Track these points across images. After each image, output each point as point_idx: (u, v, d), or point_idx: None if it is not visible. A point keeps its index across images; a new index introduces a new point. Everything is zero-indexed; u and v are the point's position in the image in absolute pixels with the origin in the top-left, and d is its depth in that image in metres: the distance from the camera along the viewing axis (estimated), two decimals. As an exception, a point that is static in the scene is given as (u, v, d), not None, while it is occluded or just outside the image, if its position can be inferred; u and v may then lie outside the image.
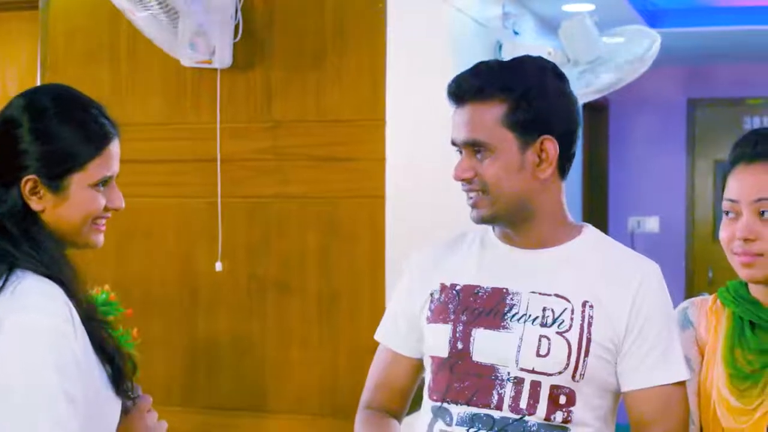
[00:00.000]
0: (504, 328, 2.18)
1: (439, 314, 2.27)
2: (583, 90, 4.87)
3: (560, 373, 2.15)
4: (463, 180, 2.22)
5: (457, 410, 2.19)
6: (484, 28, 4.99)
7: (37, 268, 1.93)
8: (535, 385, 2.15)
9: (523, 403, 2.15)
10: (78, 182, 2.00)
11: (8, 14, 5.43)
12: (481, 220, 2.24)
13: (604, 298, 2.18)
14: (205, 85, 4.37)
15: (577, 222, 2.32)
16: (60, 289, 1.92)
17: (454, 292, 2.27)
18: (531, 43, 5.32)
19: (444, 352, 2.23)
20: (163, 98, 4.45)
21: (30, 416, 1.80)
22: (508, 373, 2.16)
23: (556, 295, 2.19)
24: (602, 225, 8.16)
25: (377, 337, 2.44)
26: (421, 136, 4.32)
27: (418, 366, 2.36)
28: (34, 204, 1.98)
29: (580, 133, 2.28)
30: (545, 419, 2.14)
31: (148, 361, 4.09)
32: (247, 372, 4.35)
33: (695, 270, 8.14)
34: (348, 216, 4.21)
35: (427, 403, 2.27)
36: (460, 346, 2.21)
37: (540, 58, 2.28)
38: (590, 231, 2.31)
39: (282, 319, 4.31)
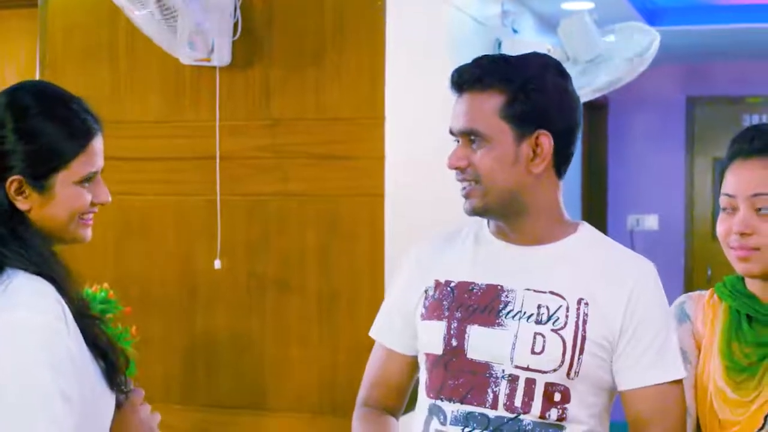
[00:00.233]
0: (499, 325, 2.18)
1: (433, 311, 2.26)
2: (583, 89, 4.87)
3: (555, 370, 2.14)
4: (456, 168, 2.21)
5: (452, 408, 2.18)
6: (483, 26, 4.98)
7: (27, 266, 1.92)
8: (530, 383, 2.14)
9: (518, 402, 2.14)
10: (63, 180, 1.99)
11: (7, 12, 5.43)
12: (473, 212, 2.23)
13: (599, 297, 2.17)
14: (204, 82, 4.37)
15: (574, 220, 2.31)
16: (51, 286, 1.91)
17: (448, 289, 2.26)
18: (530, 41, 5.31)
19: (438, 349, 2.22)
20: (162, 96, 4.45)
21: (25, 415, 1.80)
22: (503, 371, 2.15)
23: (551, 293, 2.18)
24: (601, 223, 8.16)
25: (372, 333, 2.43)
26: (421, 134, 4.32)
27: (414, 363, 2.35)
28: (20, 204, 1.97)
29: (579, 133, 2.26)
30: (540, 417, 2.14)
31: (147, 359, 4.10)
32: (246, 370, 4.35)
33: (694, 268, 8.14)
34: (347, 214, 4.22)
35: (422, 401, 2.27)
36: (454, 343, 2.20)
37: (545, 55, 2.27)
38: (586, 229, 2.30)
39: (281, 316, 4.31)
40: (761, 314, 2.25)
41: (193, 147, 4.39)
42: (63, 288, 1.94)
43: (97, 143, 2.05)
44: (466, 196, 2.22)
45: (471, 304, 2.21)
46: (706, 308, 2.35)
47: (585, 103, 5.55)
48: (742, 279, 2.31)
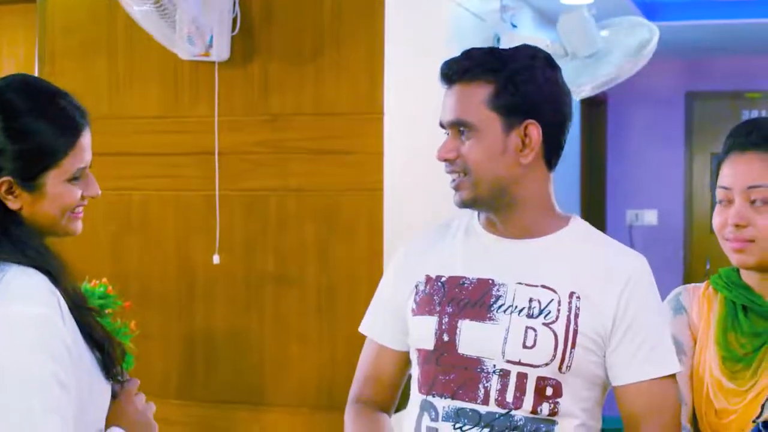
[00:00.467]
0: (490, 319, 2.17)
1: (424, 306, 2.25)
2: (583, 87, 4.86)
3: (547, 364, 2.13)
4: (446, 160, 2.21)
5: (443, 404, 2.18)
6: (482, 21, 4.98)
7: (22, 260, 1.92)
8: (522, 377, 2.14)
9: (509, 397, 2.13)
10: (53, 179, 1.99)
11: (6, 7, 5.43)
12: (463, 204, 2.22)
13: (591, 291, 2.16)
14: (203, 78, 4.37)
15: (565, 213, 2.30)
16: (45, 278, 1.91)
17: (439, 283, 2.25)
18: (529, 36, 5.31)
19: (430, 345, 2.22)
20: (160, 91, 4.45)
21: (24, 403, 1.80)
22: (494, 366, 2.15)
23: (543, 286, 2.17)
24: (600, 218, 8.17)
25: (362, 329, 2.42)
26: (419, 130, 4.32)
27: (405, 358, 2.34)
28: (11, 203, 1.97)
29: (569, 125, 2.25)
30: (531, 412, 2.13)
31: (146, 354, 4.10)
32: (244, 365, 4.35)
33: (693, 262, 8.15)
34: (346, 209, 4.22)
35: (414, 398, 2.26)
36: (446, 338, 2.19)
37: (534, 47, 2.26)
38: (578, 222, 2.29)
39: (280, 311, 4.31)
40: (756, 305, 2.28)
41: (192, 142, 4.39)
42: (58, 280, 1.94)
43: (86, 138, 2.04)
44: (456, 188, 2.22)
45: (462, 298, 2.21)
46: (702, 300, 2.37)
47: (584, 99, 5.56)
48: (737, 271, 2.34)
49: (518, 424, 2.13)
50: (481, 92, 2.17)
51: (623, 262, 2.22)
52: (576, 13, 4.93)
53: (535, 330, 2.14)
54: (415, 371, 2.28)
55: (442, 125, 2.24)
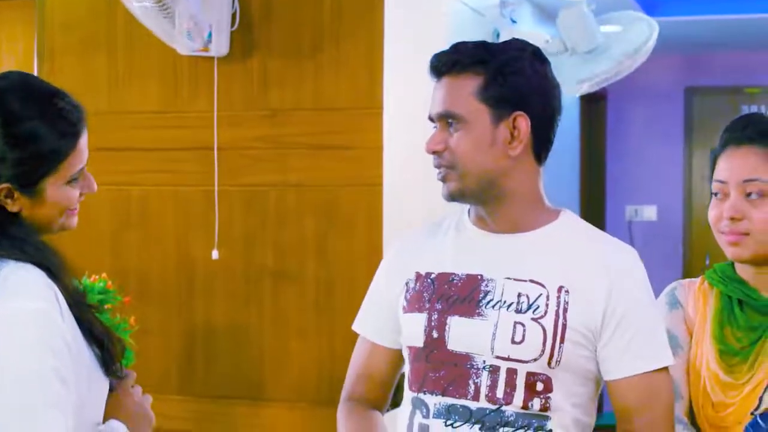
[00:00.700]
0: (479, 315, 2.15)
1: (414, 303, 2.24)
2: (584, 83, 4.86)
3: (536, 359, 2.12)
4: (434, 152, 2.20)
5: (434, 401, 2.17)
6: (481, 16, 4.98)
7: (21, 257, 1.91)
8: (511, 373, 2.12)
9: (499, 393, 2.12)
10: (53, 183, 1.97)
11: (4, 3, 5.43)
12: (450, 196, 2.21)
13: (580, 285, 2.14)
14: (202, 73, 4.37)
15: (555, 207, 2.28)
16: (43, 273, 1.90)
17: (429, 280, 2.24)
18: (529, 32, 5.31)
19: (420, 342, 2.21)
20: (160, 87, 4.45)
21: (24, 399, 1.80)
22: (484, 362, 2.13)
23: (532, 281, 2.16)
24: (600, 213, 8.17)
25: (355, 327, 2.42)
26: (419, 125, 4.29)
27: (397, 356, 2.33)
28: (10, 207, 1.95)
29: (558, 119, 2.24)
30: (522, 407, 2.12)
31: (145, 350, 4.10)
32: (244, 360, 4.35)
33: (693, 258, 8.15)
34: (345, 204, 4.22)
35: (406, 395, 2.25)
36: (435, 334, 2.18)
37: (524, 41, 2.25)
38: (568, 216, 2.27)
39: (279, 307, 4.31)
40: (752, 299, 2.30)
41: (192, 137, 4.39)
42: (58, 277, 1.93)
43: (84, 139, 2.02)
44: (443, 180, 2.21)
45: (451, 294, 2.20)
46: (697, 294, 2.39)
47: (583, 95, 5.56)
48: (732, 265, 2.36)
49: (509, 419, 2.12)
50: (469, 84, 2.16)
51: (613, 256, 2.20)
52: (576, 9, 4.92)
53: (523, 325, 2.13)
54: (406, 369, 2.28)
55: (431, 118, 2.23)
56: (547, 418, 2.13)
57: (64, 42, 4.58)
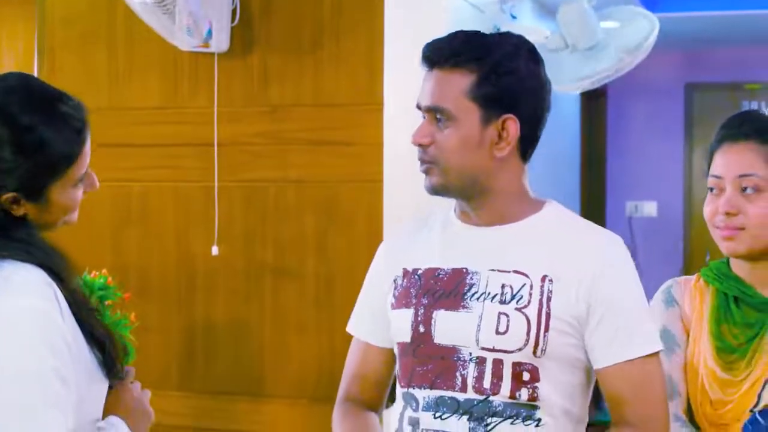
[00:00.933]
0: (464, 308, 2.16)
1: (401, 300, 2.25)
2: (584, 81, 4.86)
3: (520, 349, 2.11)
4: (420, 145, 2.20)
5: (423, 394, 2.18)
6: (481, 12, 4.98)
7: (26, 258, 1.90)
8: (498, 363, 2.12)
9: (486, 383, 2.12)
10: (59, 189, 1.97)
11: (5, -1, 5.43)
12: (433, 190, 2.20)
13: (564, 273, 2.14)
14: (203, 69, 4.36)
15: (540, 198, 2.27)
16: (43, 272, 1.90)
17: (416, 276, 2.24)
18: (529, 27, 5.30)
19: (407, 337, 2.21)
20: (160, 83, 4.45)
21: (24, 398, 1.80)
22: (470, 354, 2.14)
23: (515, 272, 2.15)
24: (600, 209, 8.17)
25: (348, 328, 2.42)
26: (419, 120, 4.31)
27: (391, 355, 2.33)
28: (15, 211, 1.95)
29: (546, 117, 2.23)
30: (510, 397, 2.11)
31: (145, 346, 4.10)
32: (244, 356, 4.35)
33: (693, 253, 8.16)
34: (345, 200, 4.22)
35: (398, 391, 2.26)
36: (422, 329, 2.19)
37: (519, 37, 2.23)
38: (552, 206, 2.26)
39: (279, 303, 4.31)
40: (748, 296, 2.31)
41: (192, 133, 4.39)
42: (63, 279, 1.93)
43: (88, 142, 2.01)
44: (426, 173, 2.20)
45: (437, 289, 2.20)
46: (694, 292, 2.40)
47: (584, 91, 5.56)
48: (727, 262, 2.38)
49: (497, 409, 2.12)
50: (462, 81, 2.15)
51: (597, 244, 2.19)
52: (576, 4, 4.92)
53: (507, 315, 2.13)
54: (397, 365, 2.28)
55: (419, 107, 2.23)
56: (535, 407, 2.13)
57: (65, 38, 4.58)
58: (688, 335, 2.37)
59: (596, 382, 2.22)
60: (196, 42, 4.15)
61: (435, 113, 2.18)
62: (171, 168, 4.43)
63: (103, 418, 1.99)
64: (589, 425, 2.25)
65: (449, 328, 2.17)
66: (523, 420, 2.12)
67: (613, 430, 2.16)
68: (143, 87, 4.47)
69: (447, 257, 2.23)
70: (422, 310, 2.20)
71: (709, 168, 2.37)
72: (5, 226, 1.94)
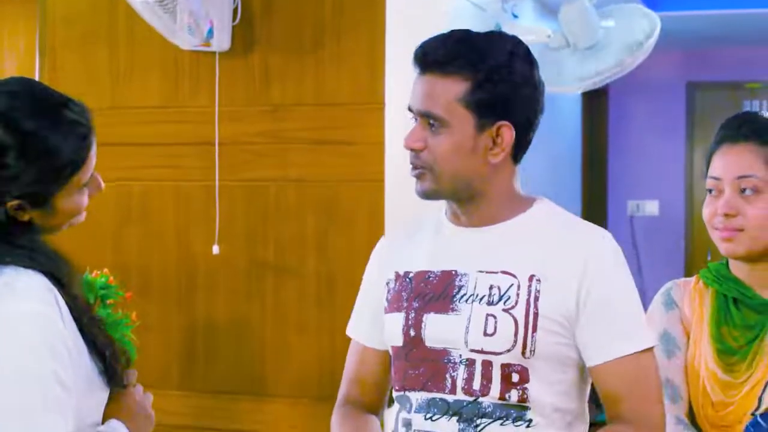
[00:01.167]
0: (453, 310, 2.15)
1: (394, 303, 2.25)
2: (585, 80, 4.86)
3: (509, 350, 2.10)
4: (413, 149, 2.20)
5: (416, 397, 2.17)
6: (482, 11, 4.97)
7: (30, 264, 1.89)
8: (487, 365, 2.11)
9: (476, 385, 2.11)
10: (65, 195, 1.96)
11: (5, -3, 5.43)
12: (424, 195, 2.20)
13: (552, 272, 2.12)
14: (204, 68, 4.36)
15: (530, 196, 2.25)
16: (44, 277, 1.89)
17: (407, 280, 2.24)
18: (530, 26, 5.30)
19: (399, 341, 2.21)
20: (161, 82, 4.45)
21: (24, 402, 1.79)
22: (460, 356, 2.13)
23: (503, 272, 2.14)
24: (601, 208, 8.17)
25: (348, 332, 2.42)
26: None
27: (388, 358, 2.33)
28: (21, 217, 1.93)
29: (540, 120, 2.21)
30: (500, 398, 2.10)
31: (146, 345, 4.10)
32: (245, 356, 4.35)
33: (694, 252, 8.15)
34: (347, 200, 4.22)
35: (394, 393, 2.26)
36: (412, 333, 2.18)
37: (513, 39, 2.20)
38: (542, 204, 2.24)
39: (280, 302, 4.31)
40: (747, 298, 2.32)
41: (193, 132, 4.38)
42: (66, 286, 1.92)
43: (94, 148, 2.00)
44: (417, 177, 2.20)
45: (427, 292, 2.20)
46: (693, 294, 2.41)
47: (585, 91, 5.56)
48: (727, 264, 2.38)
49: (487, 410, 2.11)
50: (455, 88, 2.13)
51: (586, 240, 2.16)
52: (577, 3, 4.92)
53: (495, 317, 2.11)
54: (392, 368, 2.28)
55: (410, 110, 2.22)
56: (525, 408, 2.11)
57: (66, 37, 4.58)
58: (688, 338, 2.36)
59: None
60: (197, 41, 4.15)
61: (428, 118, 2.17)
62: (172, 167, 4.43)
63: (104, 422, 1.99)
64: (590, 425, 2.24)
65: (439, 331, 2.16)
66: (513, 421, 2.12)
67: (609, 427, 2.14)
68: (144, 86, 4.47)
69: (437, 260, 2.22)
70: (413, 314, 2.20)
71: (708, 169, 2.37)
72: (9, 232, 1.92)
